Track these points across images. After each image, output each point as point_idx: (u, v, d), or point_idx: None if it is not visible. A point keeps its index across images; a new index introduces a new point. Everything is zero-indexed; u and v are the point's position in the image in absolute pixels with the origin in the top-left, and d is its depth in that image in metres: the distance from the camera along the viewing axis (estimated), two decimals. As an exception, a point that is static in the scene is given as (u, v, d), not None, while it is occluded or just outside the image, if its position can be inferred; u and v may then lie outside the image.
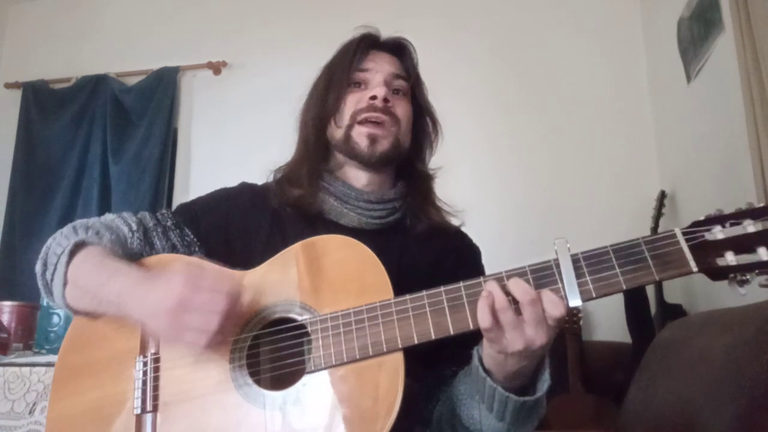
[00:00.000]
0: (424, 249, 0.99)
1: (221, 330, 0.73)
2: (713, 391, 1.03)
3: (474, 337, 0.73)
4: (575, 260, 0.71)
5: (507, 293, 0.70)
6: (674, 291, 2.27)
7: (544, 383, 0.75)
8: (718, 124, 1.96)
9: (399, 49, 1.05)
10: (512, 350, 0.70)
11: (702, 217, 0.70)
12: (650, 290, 2.20)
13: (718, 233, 0.68)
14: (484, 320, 0.69)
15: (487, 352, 0.74)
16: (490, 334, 0.70)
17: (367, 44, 1.02)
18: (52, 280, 0.87)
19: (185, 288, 0.72)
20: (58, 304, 0.89)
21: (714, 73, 2.00)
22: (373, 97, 0.96)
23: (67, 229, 0.91)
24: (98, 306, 0.84)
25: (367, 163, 0.97)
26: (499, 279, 0.72)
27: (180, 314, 0.72)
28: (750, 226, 0.67)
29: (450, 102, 2.57)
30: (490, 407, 0.76)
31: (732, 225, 0.68)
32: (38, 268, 0.90)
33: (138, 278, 0.79)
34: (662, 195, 2.34)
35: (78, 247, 0.86)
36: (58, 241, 0.89)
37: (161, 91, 3.17)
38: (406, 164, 1.04)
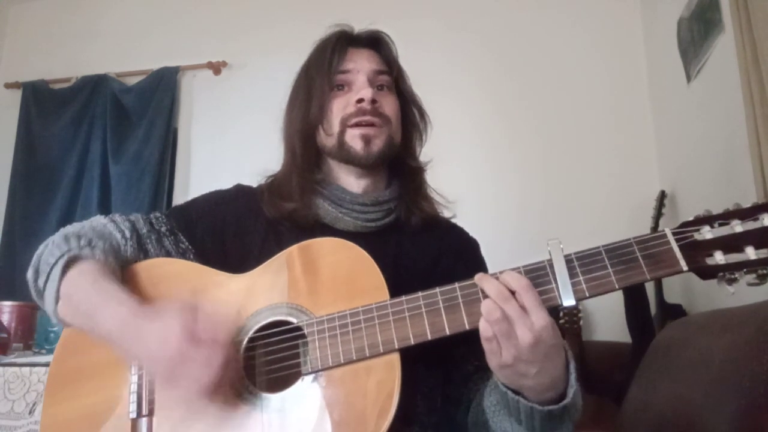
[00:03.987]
0: (422, 247, 0.98)
1: (218, 381, 0.71)
2: (713, 391, 1.03)
3: None
4: (568, 261, 0.72)
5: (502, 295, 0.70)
6: (674, 291, 2.27)
7: (571, 389, 0.72)
8: (718, 124, 1.96)
9: (376, 43, 1.01)
10: (511, 359, 0.68)
11: (691, 218, 0.72)
12: (650, 290, 2.20)
13: (707, 233, 0.70)
14: (485, 330, 0.69)
15: (493, 364, 0.72)
16: (491, 344, 0.69)
17: (343, 43, 0.99)
18: (44, 289, 0.85)
19: (182, 341, 0.70)
20: (50, 316, 0.87)
21: (714, 73, 2.00)
22: (360, 100, 0.93)
23: (58, 237, 0.88)
24: (90, 331, 0.82)
25: (364, 165, 0.94)
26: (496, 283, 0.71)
27: (177, 366, 0.71)
28: (738, 226, 0.69)
29: (449, 102, 2.59)
30: (519, 420, 0.74)
31: (720, 225, 0.70)
32: (30, 275, 0.88)
33: (130, 313, 0.76)
34: (662, 195, 2.33)
35: (71, 261, 0.84)
36: (50, 250, 0.86)
37: (161, 91, 3.17)
38: (398, 159, 1.01)
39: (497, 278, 0.72)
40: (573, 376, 0.72)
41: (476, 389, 0.87)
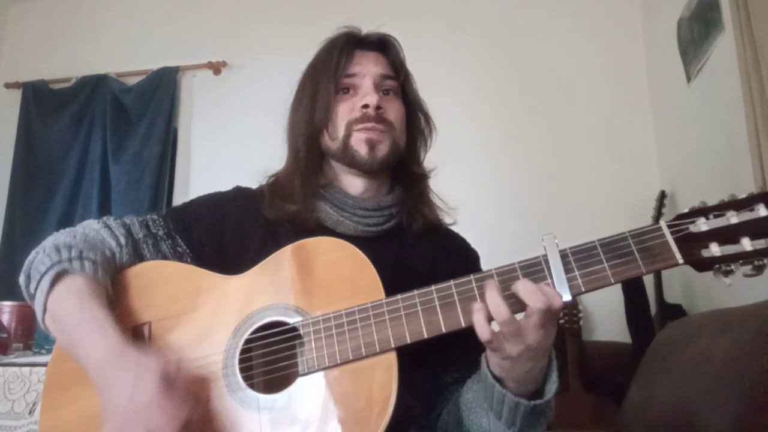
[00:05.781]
0: (422, 252, 0.97)
1: None
2: (713, 391, 1.03)
3: (476, 344, 0.72)
4: (563, 255, 0.71)
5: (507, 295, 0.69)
6: (674, 291, 2.27)
7: (553, 385, 0.73)
8: (718, 124, 1.96)
9: (384, 46, 1.00)
10: (517, 353, 0.69)
11: (686, 210, 0.71)
12: (650, 290, 2.20)
13: (702, 225, 0.70)
14: (483, 334, 0.69)
15: (493, 360, 0.73)
16: (491, 344, 0.70)
17: (350, 45, 0.97)
18: (34, 296, 0.84)
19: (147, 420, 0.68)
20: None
21: (714, 73, 2.00)
22: (365, 106, 0.92)
23: (49, 246, 0.86)
24: (71, 354, 0.80)
25: (368, 170, 0.94)
26: (496, 283, 0.71)
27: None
28: (733, 217, 0.69)
29: (449, 102, 2.59)
30: (499, 414, 0.74)
31: (716, 216, 0.70)
32: (22, 280, 0.87)
33: (108, 354, 0.74)
34: (662, 195, 2.33)
35: (60, 275, 0.82)
36: (41, 259, 0.84)
37: (161, 91, 3.17)
38: (401, 165, 1.00)
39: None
40: (555, 374, 0.73)
41: (449, 399, 0.88)
